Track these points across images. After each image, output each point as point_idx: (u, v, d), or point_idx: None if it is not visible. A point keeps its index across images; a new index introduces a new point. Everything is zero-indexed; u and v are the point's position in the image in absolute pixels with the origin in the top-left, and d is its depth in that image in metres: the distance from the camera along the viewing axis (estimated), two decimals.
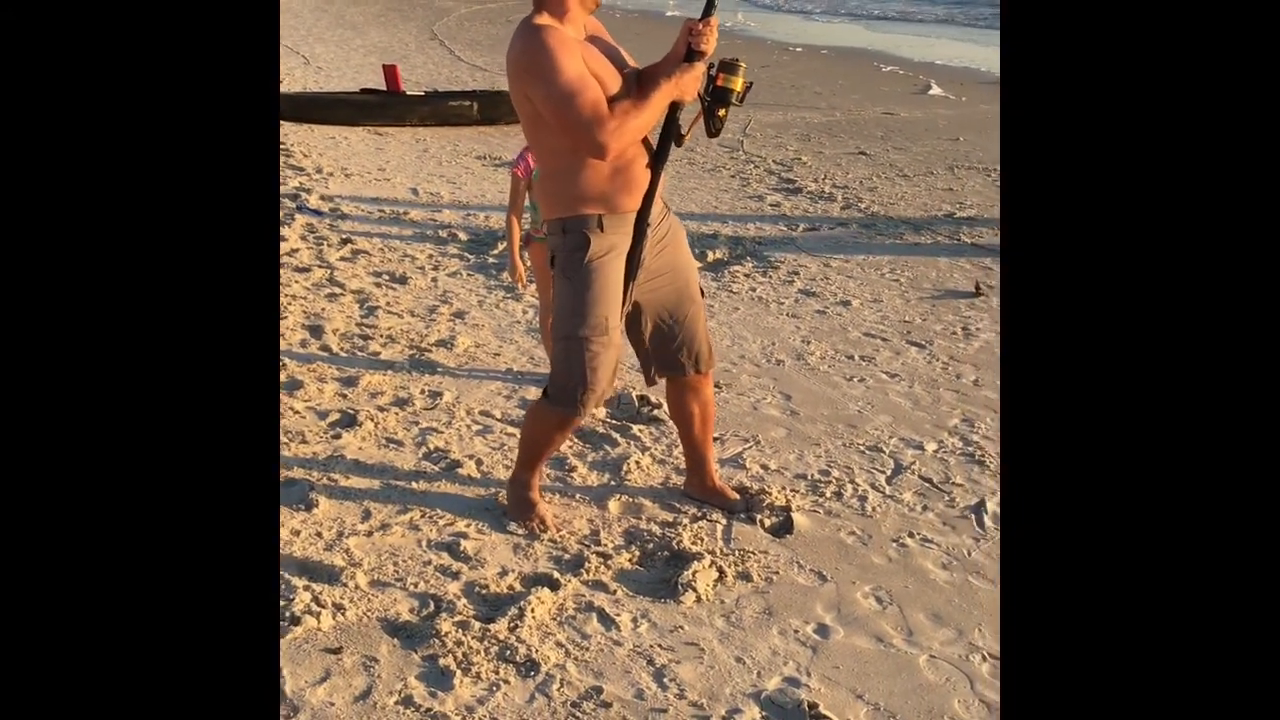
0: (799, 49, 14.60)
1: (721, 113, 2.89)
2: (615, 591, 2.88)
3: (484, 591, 2.87)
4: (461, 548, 3.07)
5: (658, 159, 2.90)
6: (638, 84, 2.84)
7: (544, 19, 2.76)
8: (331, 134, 9.30)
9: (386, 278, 5.59)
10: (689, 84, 2.81)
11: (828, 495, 3.39)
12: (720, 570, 2.95)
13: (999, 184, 7.60)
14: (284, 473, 3.43)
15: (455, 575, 2.94)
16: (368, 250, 6.07)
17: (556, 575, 2.93)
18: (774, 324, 4.96)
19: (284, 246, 5.95)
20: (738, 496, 3.33)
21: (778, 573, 2.97)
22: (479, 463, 3.58)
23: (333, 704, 2.44)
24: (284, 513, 3.19)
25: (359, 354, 4.54)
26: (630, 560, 3.02)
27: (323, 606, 2.75)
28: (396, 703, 2.44)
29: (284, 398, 3.99)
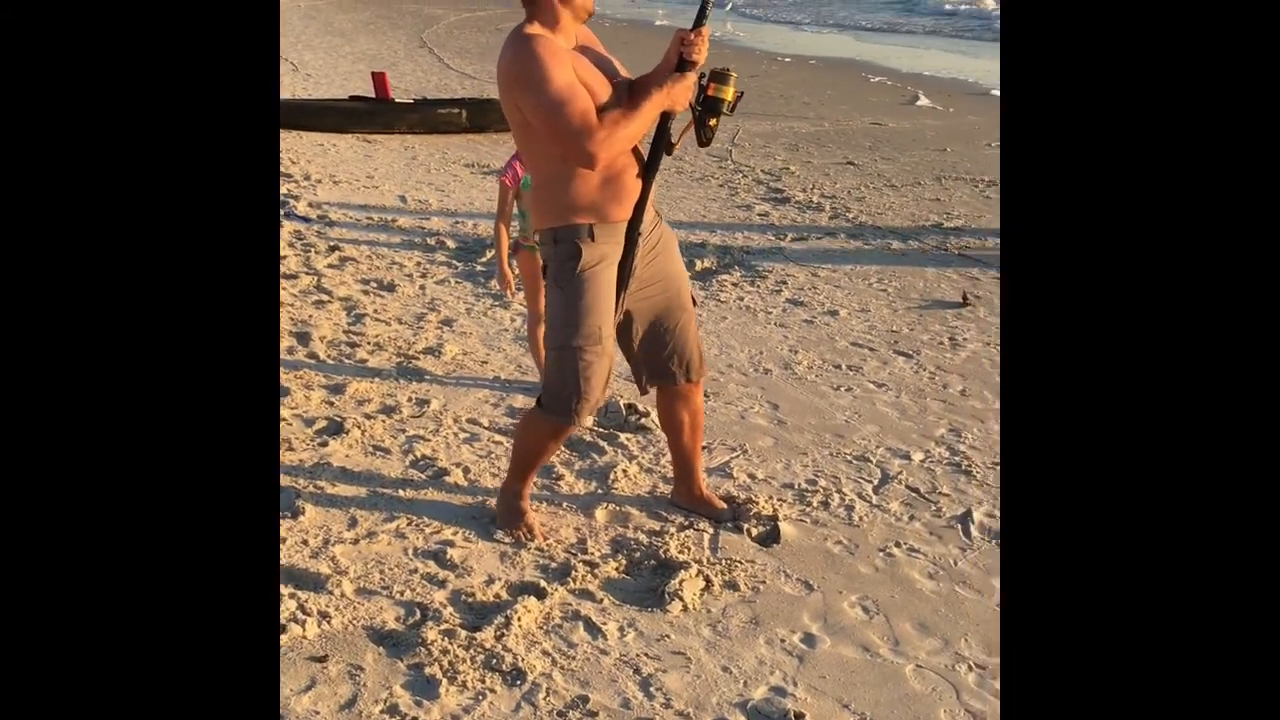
0: (788, 59, 14.65)
1: (712, 122, 2.91)
2: (602, 600, 2.87)
3: (470, 600, 2.86)
4: (448, 556, 3.06)
5: (649, 168, 2.91)
6: (629, 94, 2.84)
7: (535, 28, 2.77)
8: (320, 141, 9.29)
9: (374, 285, 5.59)
10: (680, 94, 2.82)
11: (815, 504, 3.39)
12: (707, 579, 2.95)
13: (986, 195, 7.61)
14: None
15: (441, 583, 2.94)
16: (355, 257, 6.06)
17: (543, 584, 2.92)
18: (762, 333, 4.97)
19: None
20: (725, 505, 3.33)
21: (764, 582, 2.97)
22: (466, 471, 3.58)
23: (318, 713, 2.43)
24: None
25: (346, 361, 4.53)
26: (617, 569, 3.02)
27: (308, 614, 2.74)
28: (382, 711, 2.44)
29: None
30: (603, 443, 3.78)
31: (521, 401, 4.16)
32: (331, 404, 4.08)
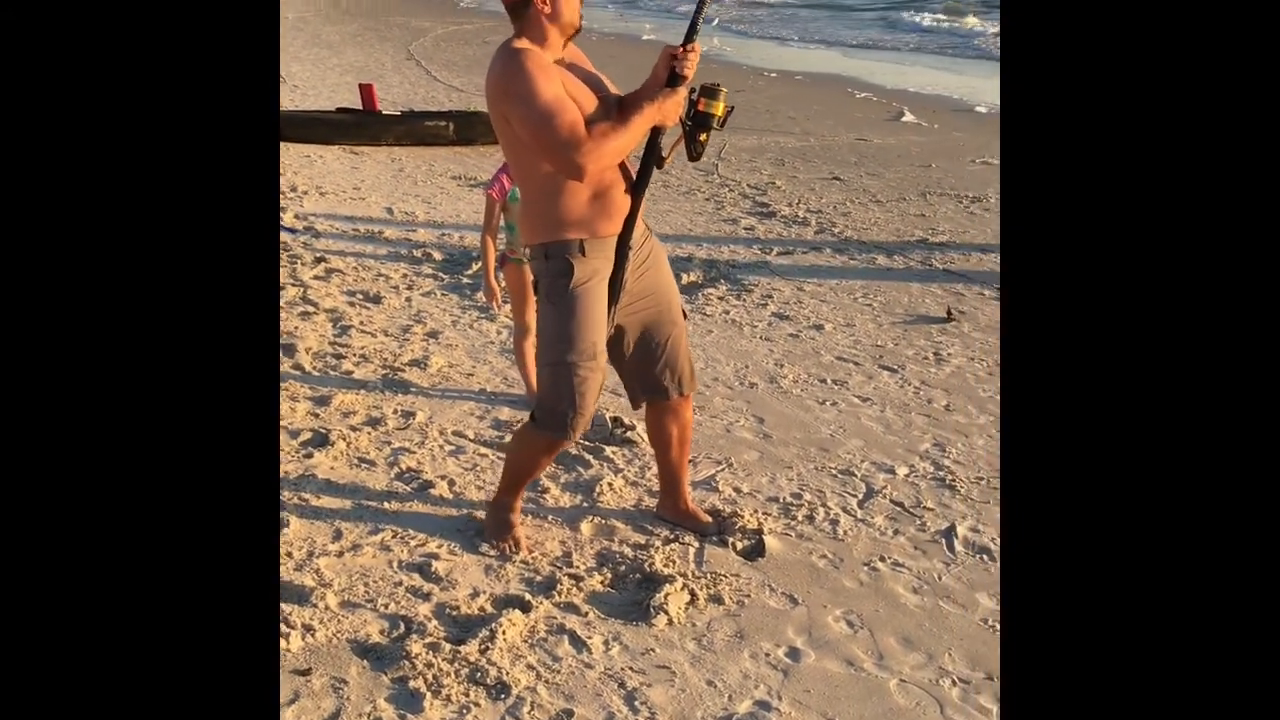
0: (774, 74, 14.71)
1: (702, 137, 2.92)
2: (587, 614, 2.87)
3: (455, 613, 2.85)
4: (433, 569, 3.06)
5: (639, 183, 2.92)
6: (618, 109, 2.86)
7: (523, 43, 2.79)
8: (306, 152, 9.28)
9: (360, 297, 5.58)
10: (671, 109, 2.83)
11: (800, 518, 3.40)
12: (692, 593, 2.95)
13: (971, 211, 7.63)
14: None
15: (426, 596, 2.93)
16: (341, 269, 6.05)
17: (528, 597, 2.92)
18: (747, 347, 4.98)
19: None
20: (710, 519, 3.33)
21: (749, 596, 2.98)
22: (451, 483, 3.57)
23: None
24: None
25: (332, 373, 4.52)
26: (602, 582, 3.02)
27: (292, 627, 2.73)
28: None
29: None
30: (588, 456, 3.78)
31: (508, 414, 4.15)
32: (317, 416, 4.07)
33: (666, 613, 2.85)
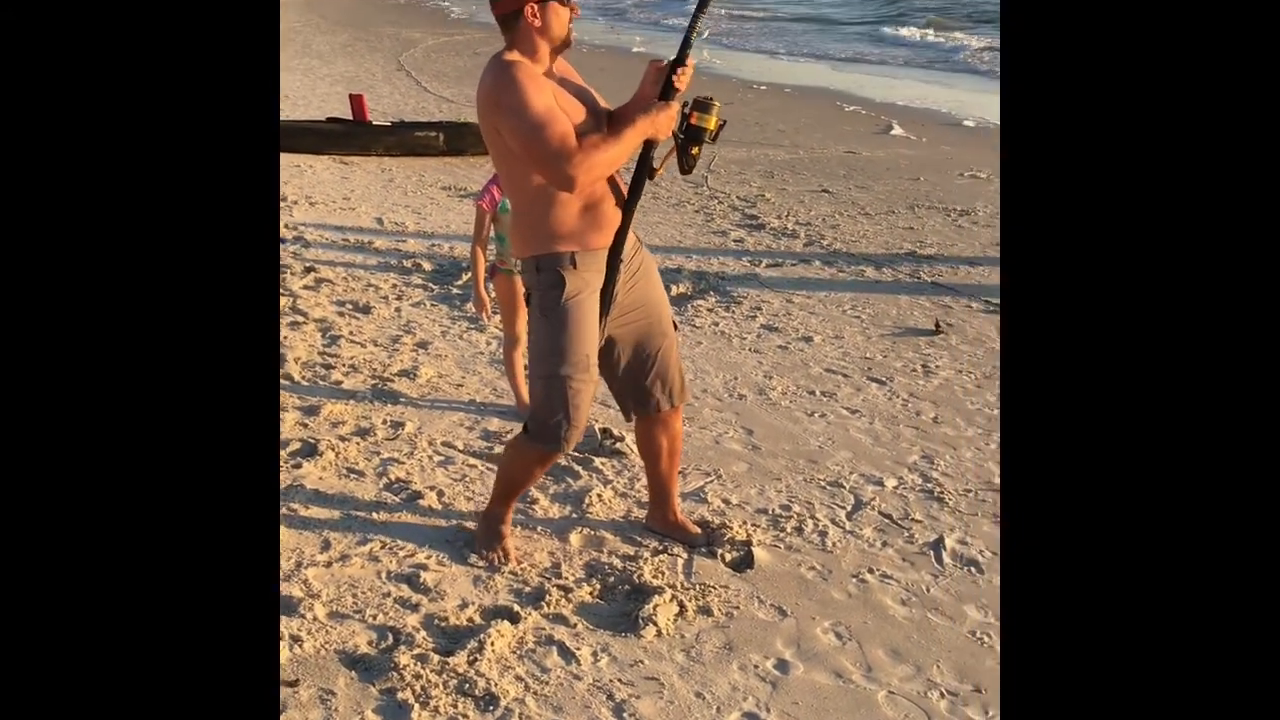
0: (763, 87, 14.76)
1: (695, 151, 2.93)
2: (575, 625, 2.87)
3: (443, 624, 2.85)
4: (421, 580, 3.05)
5: (631, 195, 2.93)
6: (609, 123, 2.87)
7: (514, 55, 2.80)
8: (296, 162, 9.28)
9: (350, 307, 5.58)
10: (664, 122, 2.84)
11: (788, 530, 3.40)
12: (681, 604, 2.95)
13: (959, 224, 7.66)
14: None
15: (415, 607, 2.93)
16: (331, 279, 6.04)
17: (517, 608, 2.92)
18: (736, 358, 4.99)
19: None
20: (699, 531, 3.33)
21: (738, 607, 2.98)
22: (440, 494, 3.57)
23: None
24: None
25: (321, 383, 4.51)
26: (591, 593, 3.01)
27: (280, 638, 2.72)
28: None
29: None
30: (578, 467, 3.78)
31: (497, 425, 4.15)
32: (306, 426, 4.06)
33: (655, 624, 2.85)
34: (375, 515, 3.42)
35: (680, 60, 2.87)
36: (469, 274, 5.29)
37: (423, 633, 2.81)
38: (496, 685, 2.59)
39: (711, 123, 2.91)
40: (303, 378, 4.55)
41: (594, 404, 3.95)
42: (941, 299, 5.95)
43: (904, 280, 6.34)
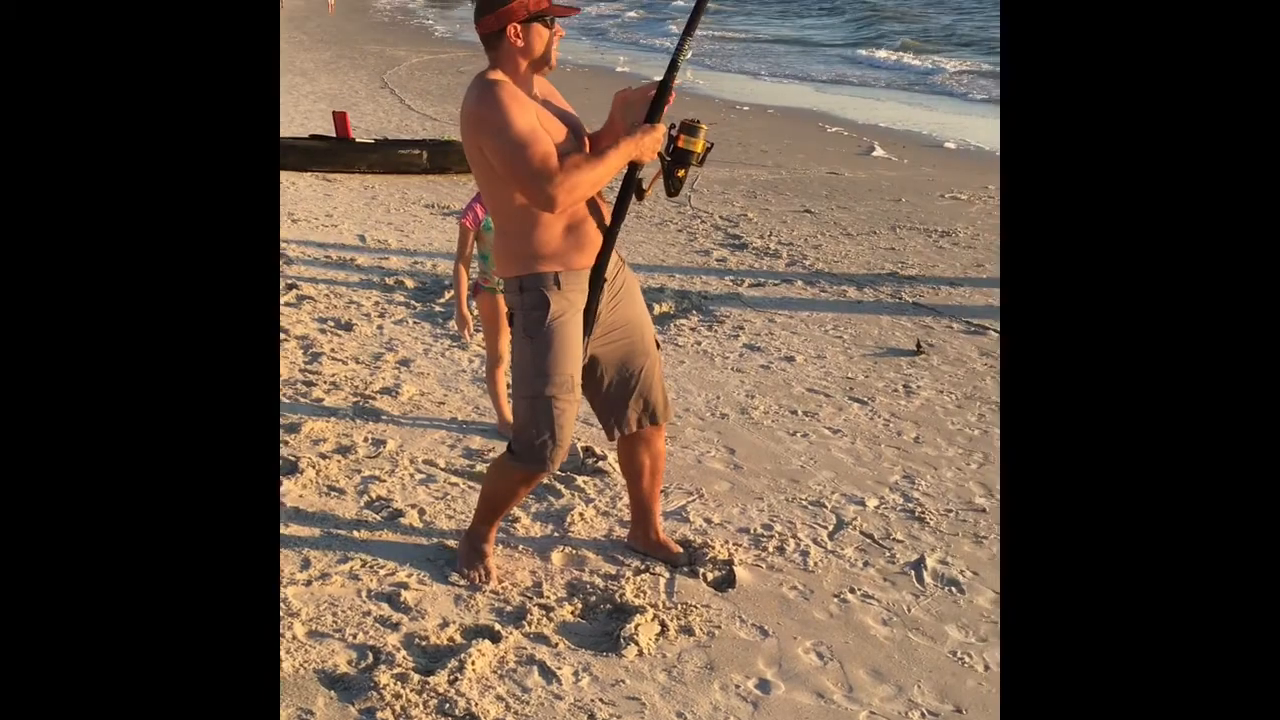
0: (746, 108, 14.83)
1: (681, 173, 2.93)
2: (557, 644, 2.86)
3: (424, 643, 2.84)
4: (402, 598, 3.04)
5: (615, 216, 2.94)
6: (592, 144, 2.88)
7: (498, 74, 2.81)
8: (279, 178, 9.26)
9: (331, 324, 5.56)
10: (649, 144, 2.85)
11: (770, 550, 3.40)
12: (662, 624, 2.94)
13: (940, 245, 7.70)
14: None
15: (395, 626, 2.91)
16: (313, 296, 6.03)
17: (498, 627, 2.91)
18: (719, 378, 5.00)
19: None
20: (681, 550, 3.33)
21: (720, 627, 2.98)
22: (421, 512, 3.56)
23: None
24: None
25: (302, 400, 4.50)
26: (572, 613, 3.01)
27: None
28: None
29: None
30: (560, 485, 3.77)
31: (479, 443, 4.15)
32: (286, 443, 4.04)
33: (637, 643, 2.84)
34: (356, 533, 3.40)
35: (667, 85, 2.88)
36: (451, 292, 5.29)
37: (403, 652, 2.79)
38: (477, 705, 2.58)
39: (699, 145, 2.91)
40: (284, 395, 4.53)
41: (576, 422, 3.96)
42: (923, 319, 5.98)
43: (885, 300, 6.37)
